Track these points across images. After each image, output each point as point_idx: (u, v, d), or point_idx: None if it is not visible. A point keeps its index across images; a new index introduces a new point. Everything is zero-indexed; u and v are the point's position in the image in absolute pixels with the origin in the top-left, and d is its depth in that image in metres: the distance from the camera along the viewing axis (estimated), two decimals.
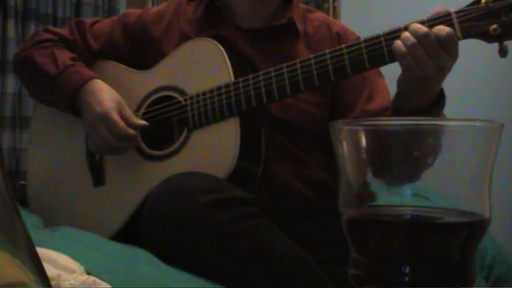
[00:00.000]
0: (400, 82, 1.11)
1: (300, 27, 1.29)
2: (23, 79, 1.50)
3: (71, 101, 1.30)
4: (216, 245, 1.03)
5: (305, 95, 1.23)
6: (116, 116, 1.24)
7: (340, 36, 1.30)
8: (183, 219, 1.02)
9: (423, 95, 1.09)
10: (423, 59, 1.02)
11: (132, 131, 1.25)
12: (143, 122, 1.27)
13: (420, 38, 1.02)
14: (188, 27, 1.34)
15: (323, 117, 1.26)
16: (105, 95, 1.27)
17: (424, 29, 1.02)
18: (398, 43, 1.04)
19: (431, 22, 1.04)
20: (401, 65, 1.06)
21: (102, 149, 1.29)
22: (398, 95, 1.14)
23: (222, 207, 1.03)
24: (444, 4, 1.08)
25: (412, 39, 1.02)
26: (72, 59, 1.34)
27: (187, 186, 1.06)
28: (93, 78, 1.30)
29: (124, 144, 1.26)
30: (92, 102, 1.26)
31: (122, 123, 1.23)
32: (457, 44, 1.03)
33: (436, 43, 1.01)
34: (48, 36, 1.41)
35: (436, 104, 1.11)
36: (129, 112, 1.27)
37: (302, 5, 1.37)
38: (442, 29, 1.02)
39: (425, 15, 1.06)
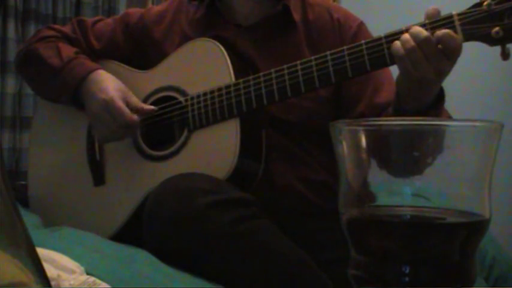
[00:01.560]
0: (398, 83, 1.10)
1: (297, 15, 1.28)
2: (26, 74, 1.50)
3: (74, 92, 1.30)
4: (216, 246, 1.02)
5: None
6: (120, 103, 1.24)
7: (340, 24, 1.28)
8: (183, 220, 1.02)
9: (420, 96, 1.08)
10: (421, 62, 1.01)
11: (136, 118, 1.25)
12: (151, 107, 1.27)
13: (420, 42, 1.00)
14: (189, 28, 1.34)
15: (326, 112, 1.25)
16: (109, 83, 1.27)
17: (424, 33, 1.01)
18: (397, 45, 1.03)
19: (433, 25, 1.03)
20: (399, 66, 1.06)
21: (107, 138, 1.29)
22: (396, 95, 1.14)
23: (222, 208, 1.03)
24: (445, 4, 1.08)
25: (412, 43, 1.01)
26: (76, 52, 1.35)
27: (187, 187, 1.06)
28: (96, 69, 1.31)
29: (128, 132, 1.26)
30: (96, 91, 1.26)
31: (126, 110, 1.24)
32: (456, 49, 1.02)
33: (435, 48, 1.00)
34: (52, 33, 1.42)
35: (434, 106, 1.10)
36: (135, 99, 1.27)
37: None
38: (443, 34, 1.00)
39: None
